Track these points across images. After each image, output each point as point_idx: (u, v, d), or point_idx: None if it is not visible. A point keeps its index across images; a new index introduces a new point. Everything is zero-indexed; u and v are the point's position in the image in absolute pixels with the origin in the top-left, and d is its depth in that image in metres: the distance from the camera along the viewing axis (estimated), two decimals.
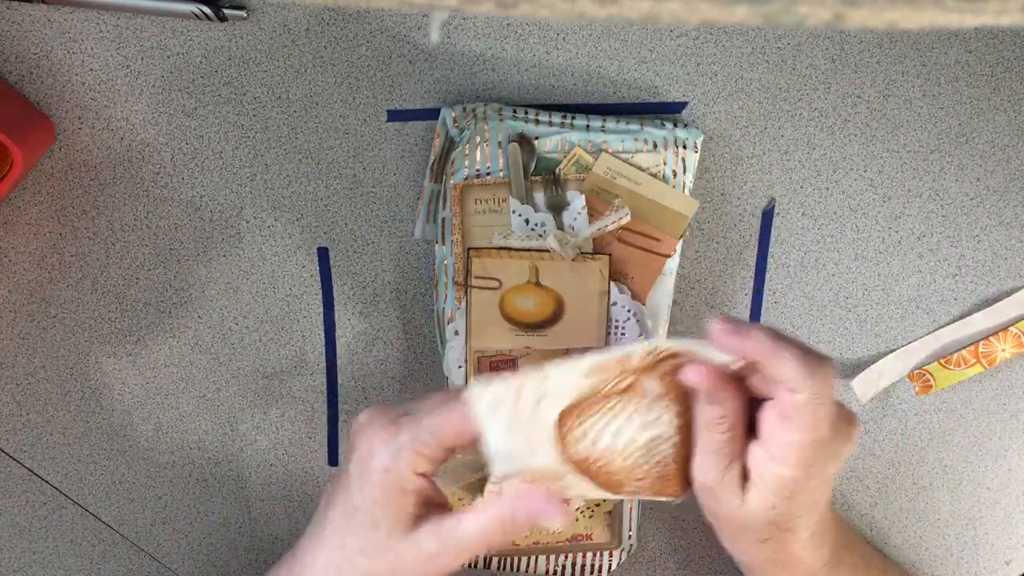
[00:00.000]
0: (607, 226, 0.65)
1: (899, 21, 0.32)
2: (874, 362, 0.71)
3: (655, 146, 0.65)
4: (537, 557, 0.70)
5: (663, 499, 0.56)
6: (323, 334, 0.69)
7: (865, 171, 0.68)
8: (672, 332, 0.68)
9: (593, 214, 0.65)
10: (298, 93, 0.65)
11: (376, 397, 0.70)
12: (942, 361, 0.71)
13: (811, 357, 0.51)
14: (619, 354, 0.52)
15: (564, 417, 0.53)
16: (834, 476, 0.56)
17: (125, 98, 0.65)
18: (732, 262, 0.69)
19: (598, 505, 0.68)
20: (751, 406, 0.54)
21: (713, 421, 0.53)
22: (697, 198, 0.67)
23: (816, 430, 0.52)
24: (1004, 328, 0.70)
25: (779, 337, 0.51)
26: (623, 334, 0.66)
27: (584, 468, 0.53)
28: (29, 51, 0.64)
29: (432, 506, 0.55)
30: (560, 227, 0.65)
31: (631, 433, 0.53)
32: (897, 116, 0.67)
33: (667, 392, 0.53)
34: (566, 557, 0.70)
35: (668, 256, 0.66)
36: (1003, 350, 0.70)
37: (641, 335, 0.66)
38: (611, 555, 0.70)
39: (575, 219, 0.65)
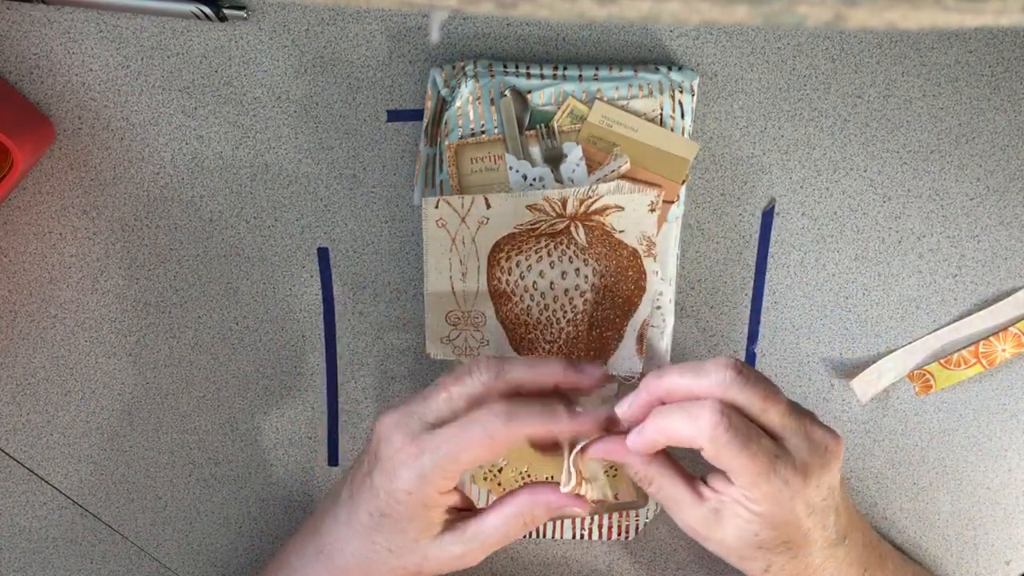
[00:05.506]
0: (607, 175, 0.64)
1: (899, 21, 0.32)
2: (874, 362, 0.71)
3: (651, 92, 0.64)
4: (563, 522, 0.70)
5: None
6: (323, 334, 0.69)
7: (865, 171, 0.68)
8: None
9: (592, 164, 0.64)
10: (298, 93, 0.65)
11: (376, 396, 0.70)
12: (942, 361, 0.71)
13: (697, 366, 0.54)
14: (557, 195, 0.57)
15: (497, 248, 0.61)
16: (827, 494, 0.56)
17: (125, 98, 0.65)
18: (732, 262, 0.69)
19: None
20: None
21: (646, 484, 0.57)
22: (697, 198, 0.67)
23: (746, 449, 0.53)
24: (1004, 328, 0.70)
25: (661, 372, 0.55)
26: None
27: (503, 312, 0.60)
28: (29, 51, 0.64)
29: (458, 510, 0.58)
30: (559, 180, 0.64)
31: (552, 277, 0.59)
32: (897, 116, 0.67)
33: (591, 246, 0.58)
34: (592, 520, 0.70)
35: (672, 202, 0.65)
36: (1003, 350, 0.70)
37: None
38: (638, 515, 0.70)
39: (573, 171, 0.64)
